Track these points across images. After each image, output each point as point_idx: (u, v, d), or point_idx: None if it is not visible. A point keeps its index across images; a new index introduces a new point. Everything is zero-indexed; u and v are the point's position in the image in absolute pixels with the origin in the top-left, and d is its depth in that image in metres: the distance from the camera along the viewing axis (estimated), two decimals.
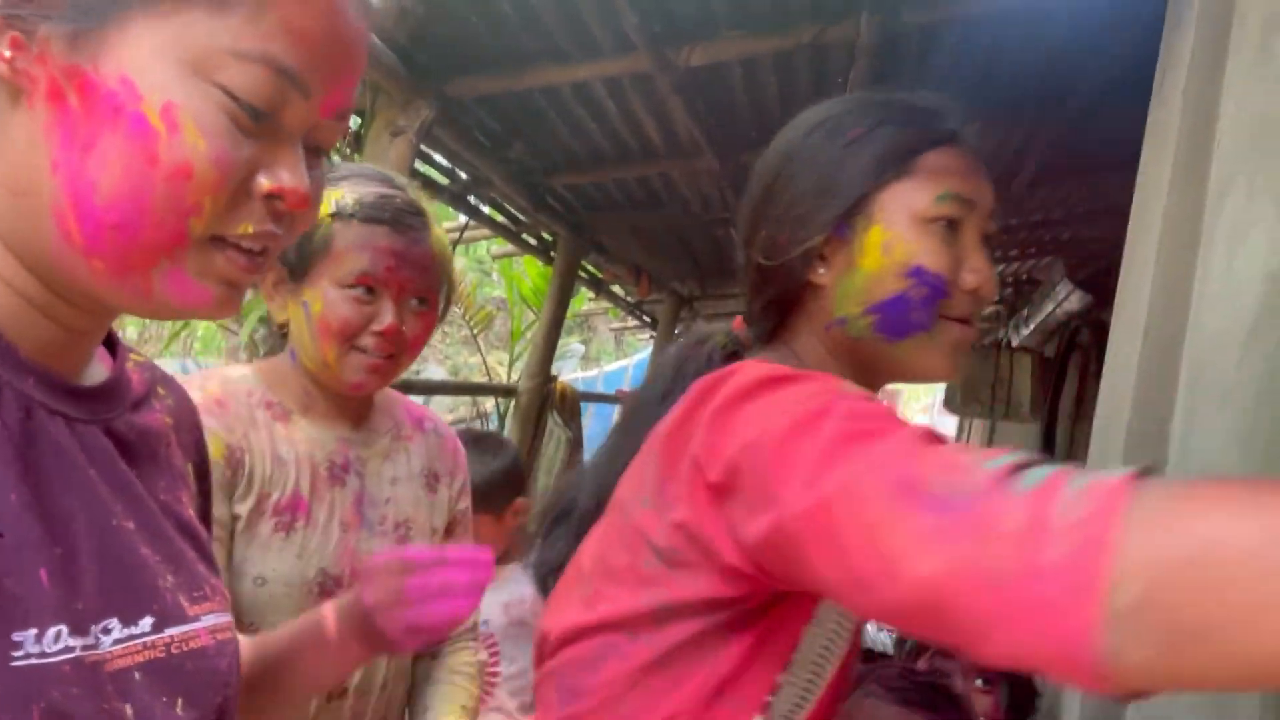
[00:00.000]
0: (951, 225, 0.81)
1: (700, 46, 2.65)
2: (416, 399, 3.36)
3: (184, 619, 0.58)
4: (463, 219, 4.20)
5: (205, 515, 0.74)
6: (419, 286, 1.16)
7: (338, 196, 1.14)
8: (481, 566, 0.84)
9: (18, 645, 0.47)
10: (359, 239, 1.12)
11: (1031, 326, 7.78)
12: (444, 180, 3.86)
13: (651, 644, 0.73)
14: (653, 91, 2.86)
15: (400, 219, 1.15)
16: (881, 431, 0.59)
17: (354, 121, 3.18)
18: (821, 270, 0.83)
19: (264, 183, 0.54)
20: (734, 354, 0.91)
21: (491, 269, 8.05)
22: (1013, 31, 2.70)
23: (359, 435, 1.22)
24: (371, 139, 2.76)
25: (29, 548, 0.49)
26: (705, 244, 5.08)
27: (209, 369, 1.21)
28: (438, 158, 3.68)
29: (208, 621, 0.60)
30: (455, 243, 5.09)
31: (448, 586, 0.82)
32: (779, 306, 0.87)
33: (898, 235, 0.80)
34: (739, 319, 0.95)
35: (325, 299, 1.12)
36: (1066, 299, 6.46)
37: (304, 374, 1.18)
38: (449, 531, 1.33)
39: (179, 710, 0.55)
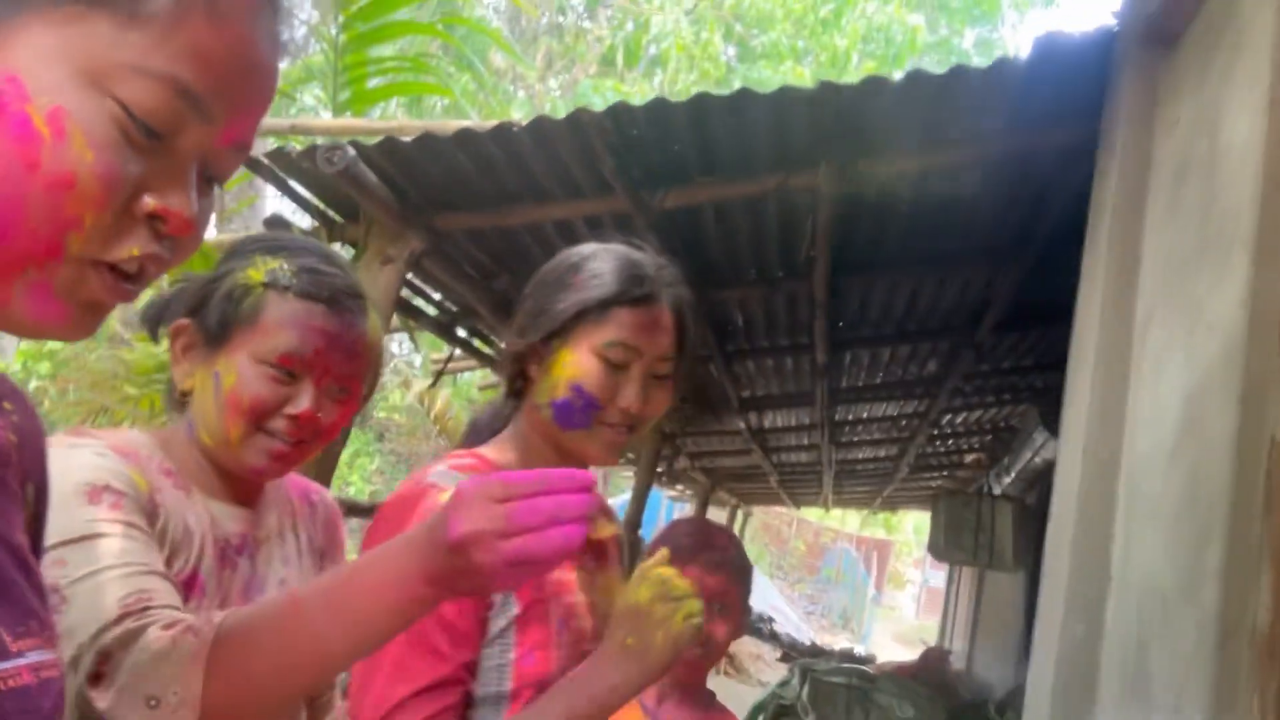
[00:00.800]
0: (618, 362, 1.10)
1: (674, 191, 2.84)
2: None
3: (4, 655, 0.53)
4: (448, 349, 4.32)
5: (37, 541, 0.67)
6: (344, 373, 1.08)
7: (274, 266, 1.06)
8: (589, 488, 0.74)
9: None
10: (291, 315, 1.04)
11: (1013, 474, 7.82)
12: (433, 311, 4.00)
13: None
14: (630, 230, 3.03)
15: (338, 299, 1.07)
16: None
17: (348, 252, 3.34)
18: (534, 367, 1.14)
19: (149, 202, 0.52)
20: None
21: (478, 403, 8.19)
22: (967, 184, 2.91)
23: (252, 515, 1.13)
24: (363, 266, 2.90)
25: None
26: (684, 380, 5.19)
27: (101, 430, 1.09)
28: (431, 292, 3.83)
29: (31, 658, 0.55)
30: (440, 373, 5.19)
31: (561, 510, 0.71)
32: (518, 387, 1.18)
33: (575, 359, 1.10)
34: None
35: (239, 373, 1.03)
36: (1043, 446, 6.53)
37: (199, 449, 1.08)
38: None
39: None
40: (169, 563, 0.99)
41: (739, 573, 1.58)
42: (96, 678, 0.77)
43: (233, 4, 0.53)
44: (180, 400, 1.11)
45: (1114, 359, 1.78)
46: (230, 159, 0.57)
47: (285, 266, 1.06)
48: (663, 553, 1.09)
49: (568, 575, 1.14)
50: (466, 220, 3.04)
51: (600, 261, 1.15)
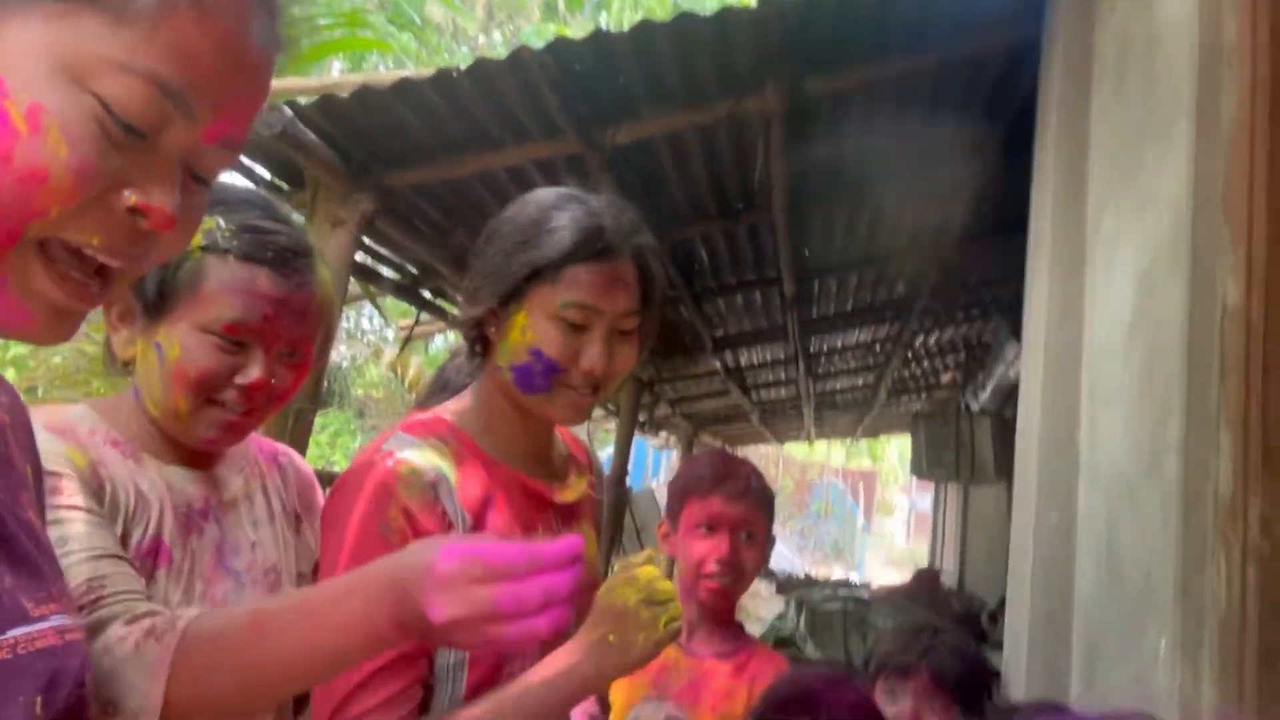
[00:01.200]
0: (577, 323, 1.05)
1: (625, 125, 2.79)
2: None
3: (27, 620, 0.55)
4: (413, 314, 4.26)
5: (42, 518, 0.68)
6: (295, 336, 1.03)
7: (210, 226, 0.99)
8: (577, 560, 0.70)
9: None
10: (233, 280, 0.98)
11: (988, 390, 7.92)
12: (395, 275, 3.94)
13: None
14: (584, 171, 2.98)
15: (284, 259, 1.00)
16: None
17: (298, 218, 3.27)
18: (492, 329, 1.09)
19: (130, 197, 0.52)
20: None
21: None
22: (918, 96, 2.88)
23: (213, 477, 1.08)
24: (313, 230, 2.84)
25: None
26: (653, 331, 5.18)
27: (36, 407, 1.01)
28: (390, 255, 3.77)
29: (54, 622, 0.58)
30: (408, 339, 5.15)
31: (547, 596, 0.68)
32: (480, 345, 1.13)
33: (532, 323, 1.05)
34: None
35: (184, 345, 0.97)
36: (1016, 359, 6.61)
37: (149, 416, 1.03)
38: (312, 577, 1.17)
39: (37, 710, 0.54)
40: (126, 534, 0.95)
41: (762, 500, 1.59)
42: None
43: (220, 2, 0.53)
44: (123, 367, 1.05)
45: (1068, 251, 1.78)
46: (219, 157, 0.58)
47: (223, 224, 0.99)
48: (647, 552, 1.10)
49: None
50: (415, 175, 2.97)
51: (552, 215, 1.08)
